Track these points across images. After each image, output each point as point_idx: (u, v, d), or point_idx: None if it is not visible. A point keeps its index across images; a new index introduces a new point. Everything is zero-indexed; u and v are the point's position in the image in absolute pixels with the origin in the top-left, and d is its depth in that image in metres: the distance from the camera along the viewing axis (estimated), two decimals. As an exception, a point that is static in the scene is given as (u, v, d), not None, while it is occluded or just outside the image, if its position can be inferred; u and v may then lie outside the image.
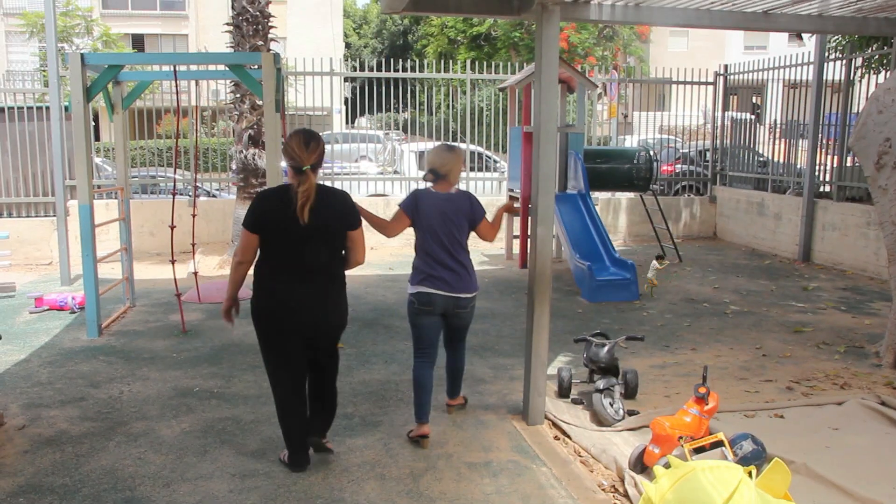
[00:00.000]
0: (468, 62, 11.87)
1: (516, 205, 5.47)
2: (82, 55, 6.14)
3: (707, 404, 3.77)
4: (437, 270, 4.01)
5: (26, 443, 4.11)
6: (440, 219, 4.00)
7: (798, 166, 10.65)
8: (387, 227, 4.11)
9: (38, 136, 9.99)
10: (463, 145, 11.84)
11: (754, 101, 19.03)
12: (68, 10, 22.63)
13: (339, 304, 3.74)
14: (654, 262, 7.50)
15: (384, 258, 10.14)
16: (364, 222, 3.84)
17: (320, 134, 3.68)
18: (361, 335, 6.31)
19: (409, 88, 12.03)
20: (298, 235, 3.51)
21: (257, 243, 3.58)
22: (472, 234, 4.19)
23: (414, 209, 4.06)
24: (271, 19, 9.54)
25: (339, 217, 3.62)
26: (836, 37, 10.22)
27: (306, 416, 3.79)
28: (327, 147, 13.92)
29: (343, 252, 3.72)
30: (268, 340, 3.67)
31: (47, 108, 9.24)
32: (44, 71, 15.30)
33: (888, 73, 9.29)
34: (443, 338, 4.29)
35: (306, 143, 3.53)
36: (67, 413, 4.54)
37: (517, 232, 9.56)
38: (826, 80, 9.83)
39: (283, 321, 3.59)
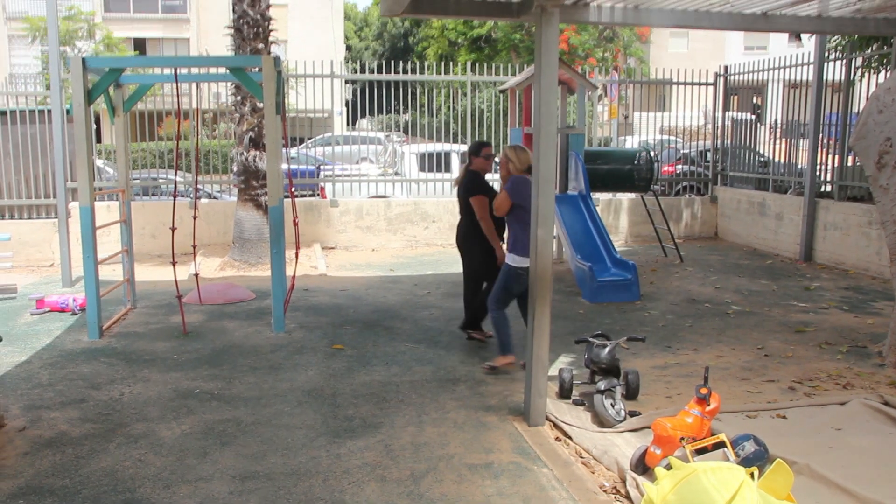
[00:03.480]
0: (468, 64, 11.86)
1: None
2: (84, 59, 6.15)
3: (709, 405, 3.76)
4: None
5: (27, 444, 4.11)
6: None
7: (799, 166, 10.64)
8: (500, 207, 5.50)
9: (41, 139, 10.00)
10: (463, 147, 11.84)
11: (755, 101, 18.99)
12: (70, 14, 22.66)
13: (468, 241, 5.96)
14: None
15: (385, 259, 10.14)
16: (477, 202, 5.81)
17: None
18: (362, 336, 6.31)
19: (409, 90, 12.02)
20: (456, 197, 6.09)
21: None
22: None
23: (518, 193, 5.21)
24: (272, 22, 9.55)
25: (462, 187, 5.93)
26: (836, 37, 10.22)
27: (472, 308, 6.10)
28: (328, 149, 13.98)
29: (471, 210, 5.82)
30: None
31: (49, 110, 9.25)
32: (46, 74, 15.33)
33: (888, 72, 9.28)
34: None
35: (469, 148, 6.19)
36: (68, 414, 4.54)
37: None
38: (826, 80, 9.82)
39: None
